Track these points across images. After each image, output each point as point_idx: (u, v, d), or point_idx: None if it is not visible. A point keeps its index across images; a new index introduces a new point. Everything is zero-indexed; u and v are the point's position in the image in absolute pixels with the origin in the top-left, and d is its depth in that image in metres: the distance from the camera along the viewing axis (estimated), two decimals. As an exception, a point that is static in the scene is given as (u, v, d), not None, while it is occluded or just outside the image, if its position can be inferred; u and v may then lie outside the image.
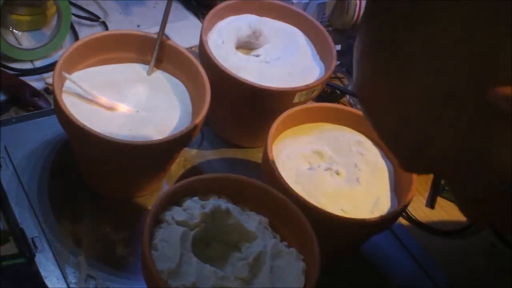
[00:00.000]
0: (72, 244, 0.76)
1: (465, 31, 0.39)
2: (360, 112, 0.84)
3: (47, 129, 0.86)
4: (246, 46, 0.92)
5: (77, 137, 0.74)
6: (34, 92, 0.91)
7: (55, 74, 0.74)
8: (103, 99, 0.76)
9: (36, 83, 0.94)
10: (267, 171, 0.74)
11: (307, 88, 0.83)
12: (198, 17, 1.15)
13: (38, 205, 0.79)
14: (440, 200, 1.01)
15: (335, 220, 0.70)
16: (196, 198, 0.69)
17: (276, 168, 0.73)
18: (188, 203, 0.68)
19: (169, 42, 0.82)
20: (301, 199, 0.71)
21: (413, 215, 0.96)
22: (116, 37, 0.81)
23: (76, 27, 1.04)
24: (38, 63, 0.97)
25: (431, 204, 1.00)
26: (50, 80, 0.92)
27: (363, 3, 1.11)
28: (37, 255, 0.74)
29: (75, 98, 0.76)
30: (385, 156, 0.81)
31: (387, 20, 0.43)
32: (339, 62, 1.02)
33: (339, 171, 0.77)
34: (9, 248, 0.74)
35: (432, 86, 0.41)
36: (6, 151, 0.82)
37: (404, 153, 0.48)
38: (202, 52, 0.85)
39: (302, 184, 0.75)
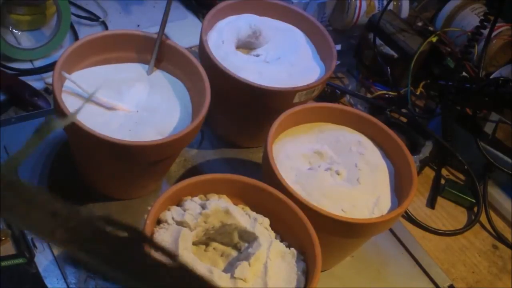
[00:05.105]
0: (72, 244, 0.76)
1: None
2: (360, 112, 0.84)
3: (47, 129, 0.86)
4: (246, 46, 0.92)
5: (77, 137, 0.74)
6: (34, 92, 0.91)
7: (55, 74, 0.74)
8: (103, 99, 0.76)
9: (35, 83, 0.94)
10: (267, 171, 0.73)
11: (307, 88, 0.83)
12: (198, 17, 1.15)
13: (38, 205, 0.78)
14: (440, 200, 1.01)
15: (335, 220, 0.70)
16: (196, 198, 0.69)
17: (276, 168, 0.72)
18: (188, 203, 0.68)
19: (169, 42, 0.82)
20: (301, 199, 0.70)
21: (413, 215, 0.96)
22: (116, 37, 0.81)
23: (76, 26, 1.04)
24: (38, 63, 0.97)
25: (431, 204, 1.01)
26: (49, 80, 0.92)
27: (363, 3, 1.11)
28: (37, 255, 0.73)
29: (75, 98, 0.76)
30: (385, 156, 0.81)
31: None
32: (339, 62, 1.01)
33: (339, 171, 0.76)
34: (9, 248, 0.74)
35: None
36: (6, 151, 0.82)
37: None
38: (202, 52, 0.85)
39: (302, 184, 0.75)
